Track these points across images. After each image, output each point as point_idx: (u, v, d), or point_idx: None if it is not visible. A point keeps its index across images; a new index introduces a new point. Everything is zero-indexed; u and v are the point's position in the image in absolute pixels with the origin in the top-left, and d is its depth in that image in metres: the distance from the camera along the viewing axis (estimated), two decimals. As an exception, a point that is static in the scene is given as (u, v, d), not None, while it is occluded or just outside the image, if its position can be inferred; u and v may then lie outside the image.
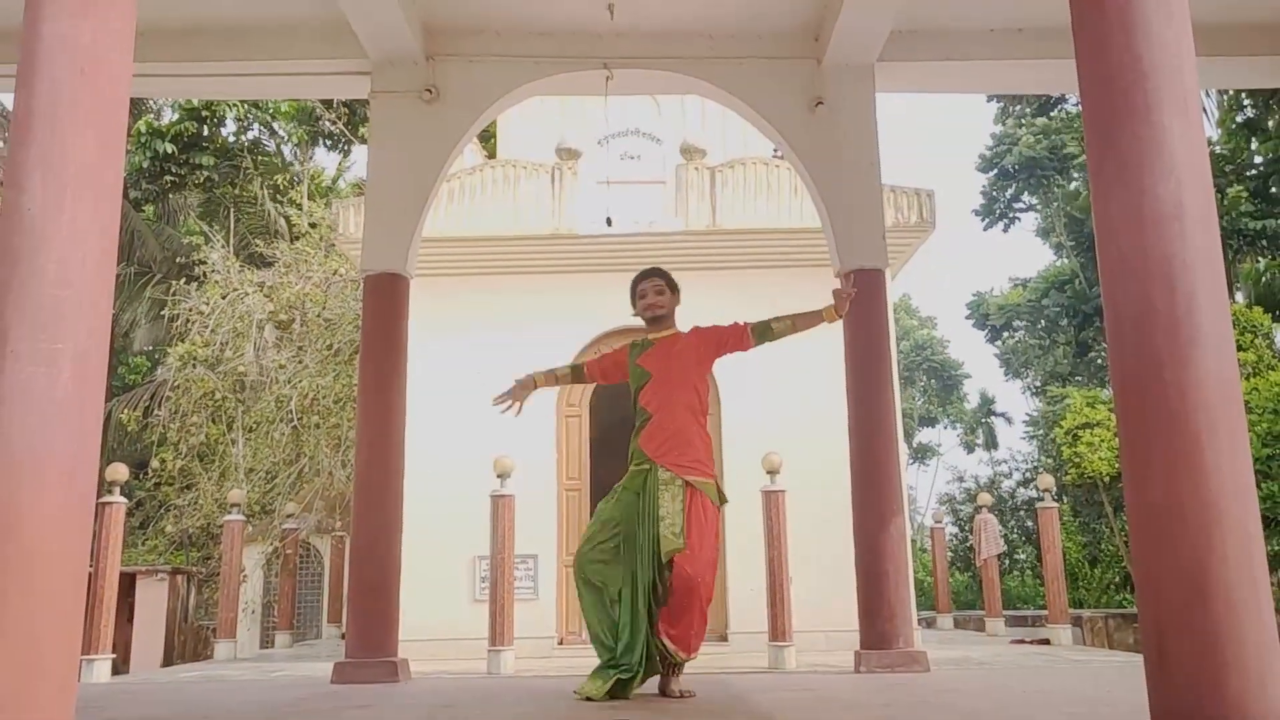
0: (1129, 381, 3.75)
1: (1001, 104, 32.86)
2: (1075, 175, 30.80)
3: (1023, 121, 32.26)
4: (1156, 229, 3.72)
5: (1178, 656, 3.53)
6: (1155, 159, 3.75)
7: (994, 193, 33.29)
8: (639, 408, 6.48)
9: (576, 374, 7.01)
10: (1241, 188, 23.04)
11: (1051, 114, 31.82)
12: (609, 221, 10.97)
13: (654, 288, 6.71)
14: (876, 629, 8.20)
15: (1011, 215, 33.63)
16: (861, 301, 8.70)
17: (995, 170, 32.70)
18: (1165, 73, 3.80)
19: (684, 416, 6.37)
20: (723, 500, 6.46)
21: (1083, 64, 4.01)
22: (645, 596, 6.13)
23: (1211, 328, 3.66)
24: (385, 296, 8.76)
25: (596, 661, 6.21)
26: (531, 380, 6.91)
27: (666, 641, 6.12)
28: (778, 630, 9.36)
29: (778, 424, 12.15)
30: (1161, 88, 3.78)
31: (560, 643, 12.24)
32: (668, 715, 5.16)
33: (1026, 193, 32.87)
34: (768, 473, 9.63)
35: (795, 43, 9.17)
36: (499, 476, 9.71)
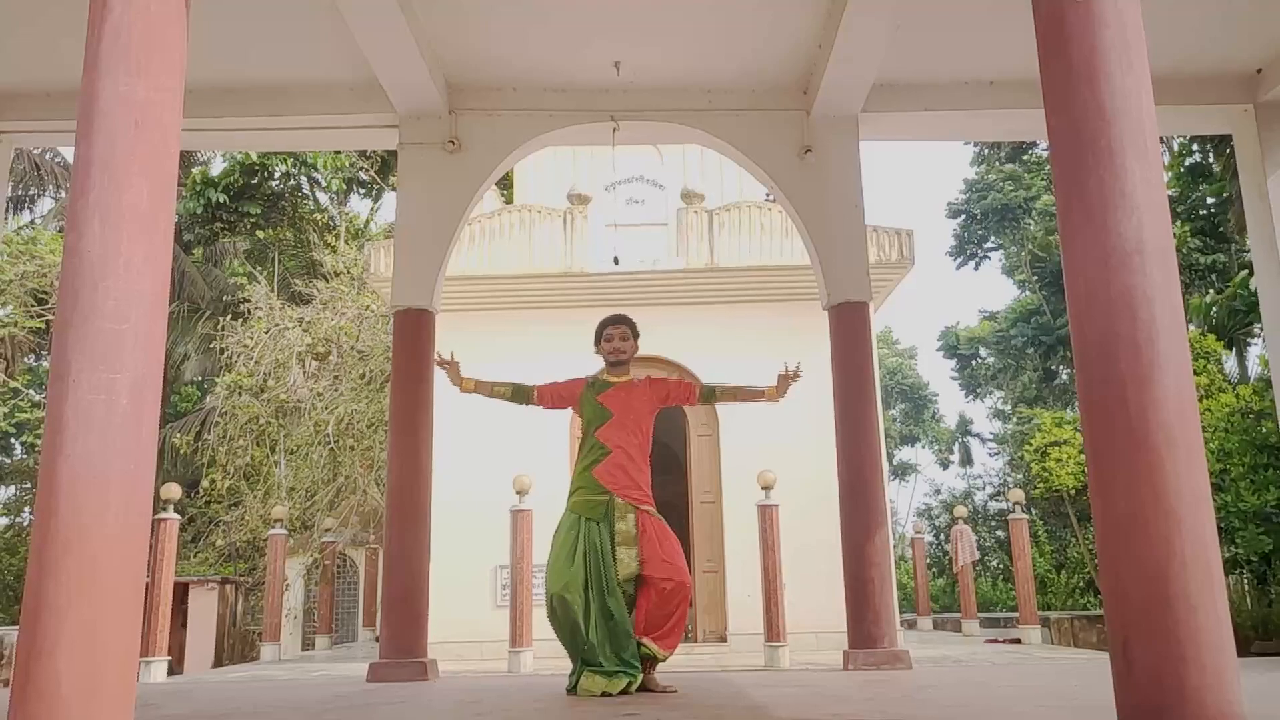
0: (1095, 402, 3.73)
1: (977, 149, 32.92)
2: (1037, 217, 30.80)
3: (992, 169, 32.35)
4: (1120, 263, 3.70)
5: (1141, 655, 3.51)
6: (1118, 199, 3.73)
7: (964, 235, 33.36)
8: (596, 442, 6.51)
9: (520, 394, 6.76)
10: (1189, 226, 23.07)
11: (1024, 158, 31.88)
12: (616, 261, 10.98)
13: (620, 334, 6.74)
14: (863, 630, 8.17)
15: (981, 255, 33.68)
16: (848, 333, 8.72)
17: (965, 215, 32.80)
18: (1127, 120, 3.79)
19: (637, 455, 6.50)
20: None
21: (1051, 112, 3.99)
22: (619, 608, 6.19)
23: (1170, 353, 3.64)
24: (413, 329, 8.76)
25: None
26: (468, 381, 6.74)
27: (651, 644, 6.20)
28: (772, 631, 9.34)
29: (772, 444, 12.13)
30: (1124, 134, 3.77)
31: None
32: (675, 710, 5.11)
33: (994, 235, 32.92)
34: (762, 488, 9.61)
35: (786, 96, 9.18)
36: (518, 493, 9.70)
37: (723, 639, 12.54)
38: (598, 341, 6.82)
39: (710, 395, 6.83)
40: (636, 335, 6.83)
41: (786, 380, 6.81)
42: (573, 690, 6.17)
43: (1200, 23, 8.42)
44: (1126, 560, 3.58)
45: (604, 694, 6.00)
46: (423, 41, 8.18)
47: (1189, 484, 3.57)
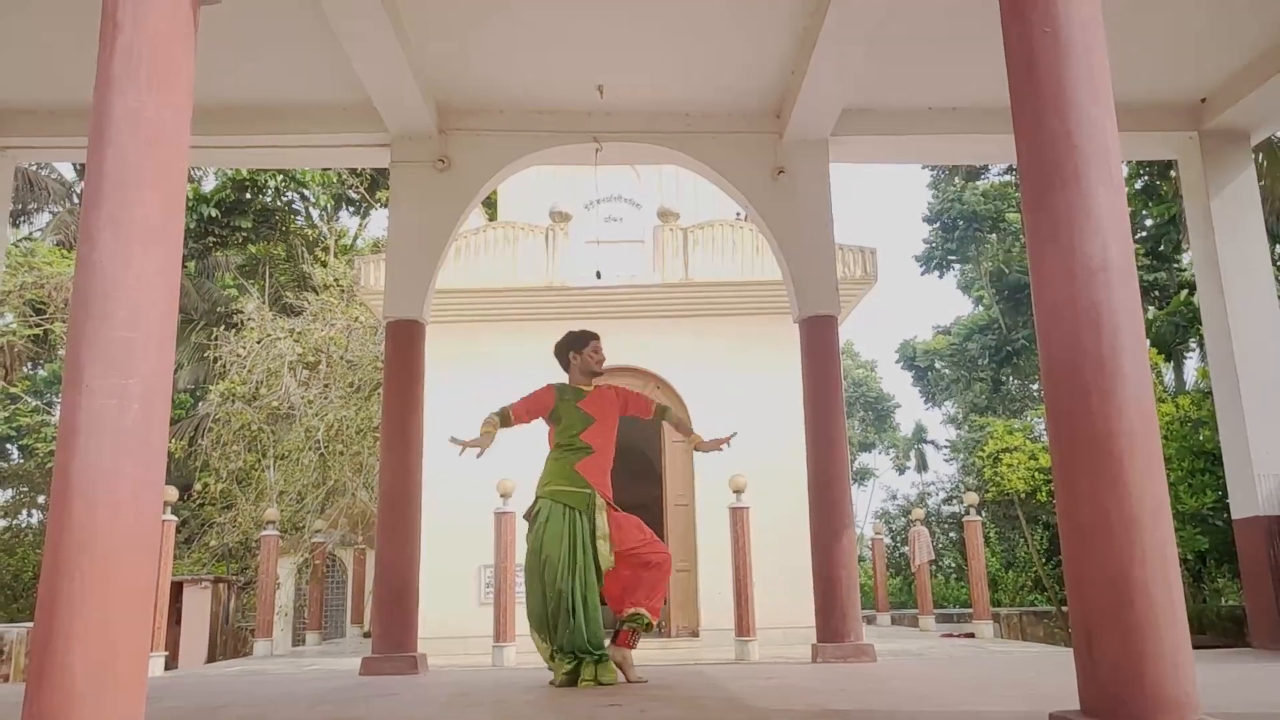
0: (1061, 411, 3.74)
1: (934, 172, 33.04)
2: (995, 235, 30.93)
3: (966, 185, 32.43)
4: (1085, 280, 3.71)
5: (1104, 650, 3.51)
6: (1084, 220, 3.74)
7: (934, 242, 33.42)
8: (581, 442, 6.64)
9: (504, 420, 6.78)
10: (1137, 246, 23.33)
11: (977, 182, 31.99)
12: (597, 275, 10.99)
13: (600, 347, 7.01)
14: (832, 625, 8.18)
15: (947, 264, 33.73)
16: (817, 345, 8.75)
17: (939, 224, 32.88)
18: (1092, 145, 3.79)
19: (609, 456, 6.74)
20: None
21: (1020, 137, 4.00)
22: (593, 593, 6.32)
23: (1132, 365, 3.65)
24: (405, 340, 8.73)
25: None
26: (486, 439, 6.70)
27: (642, 611, 6.39)
28: (743, 627, 9.32)
29: (743, 449, 12.10)
30: (1090, 158, 3.78)
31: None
32: (656, 700, 5.10)
33: (960, 248, 32.98)
34: (734, 491, 9.60)
35: (760, 120, 9.20)
36: (502, 496, 9.66)
37: (695, 634, 12.54)
38: (579, 350, 6.89)
39: (662, 414, 7.05)
40: None
41: (716, 444, 7.05)
42: (571, 682, 6.19)
43: (1148, 54, 8.50)
44: (1091, 561, 3.59)
45: (599, 683, 6.10)
46: (415, 65, 8.16)
47: (1149, 488, 3.59)
